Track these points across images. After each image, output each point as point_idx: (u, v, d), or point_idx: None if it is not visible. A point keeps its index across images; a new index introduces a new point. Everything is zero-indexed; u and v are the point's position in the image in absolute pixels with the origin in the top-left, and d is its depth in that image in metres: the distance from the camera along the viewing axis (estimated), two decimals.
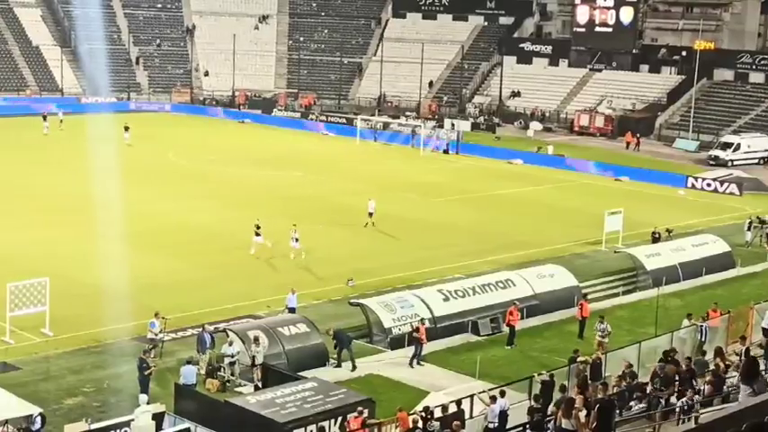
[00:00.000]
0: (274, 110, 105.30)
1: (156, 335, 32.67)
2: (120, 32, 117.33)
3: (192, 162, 72.15)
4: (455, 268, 44.66)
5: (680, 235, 51.41)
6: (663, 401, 24.37)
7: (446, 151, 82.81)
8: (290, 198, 59.71)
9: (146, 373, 29.04)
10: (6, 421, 24.82)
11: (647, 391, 25.41)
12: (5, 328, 33.31)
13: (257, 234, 45.62)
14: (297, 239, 45.22)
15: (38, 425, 25.37)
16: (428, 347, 33.95)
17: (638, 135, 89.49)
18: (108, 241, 45.77)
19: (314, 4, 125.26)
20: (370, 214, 52.15)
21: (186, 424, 25.50)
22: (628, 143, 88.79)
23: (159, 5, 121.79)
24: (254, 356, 30.65)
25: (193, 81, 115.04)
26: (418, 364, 32.99)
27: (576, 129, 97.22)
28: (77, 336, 34.04)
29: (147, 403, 26.15)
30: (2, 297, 33.21)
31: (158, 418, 25.66)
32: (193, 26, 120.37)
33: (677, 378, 25.86)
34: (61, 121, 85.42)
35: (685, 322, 33.94)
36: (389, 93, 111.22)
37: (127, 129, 79.69)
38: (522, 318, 36.97)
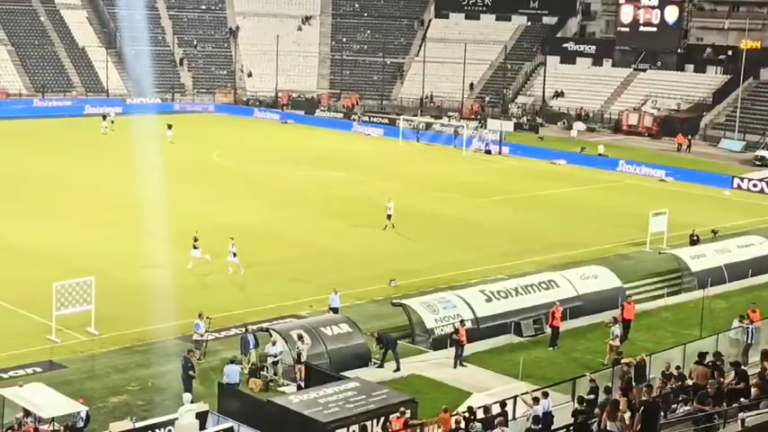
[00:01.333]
0: (317, 110, 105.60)
1: (202, 335, 32.84)
2: (164, 34, 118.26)
3: (235, 162, 72.56)
4: (498, 269, 44.51)
5: (726, 236, 50.85)
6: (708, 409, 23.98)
7: (489, 152, 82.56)
8: (332, 198, 59.86)
9: (190, 373, 29.20)
10: (53, 419, 25.11)
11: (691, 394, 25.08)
12: (52, 326, 33.66)
13: (195, 247, 42.66)
14: (235, 254, 42.29)
15: (82, 423, 25.63)
16: (470, 348, 33.84)
17: (689, 137, 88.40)
18: (153, 241, 46.13)
19: (356, 5, 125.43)
20: (389, 216, 51.65)
21: (230, 423, 25.62)
22: (679, 144, 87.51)
23: (203, 7, 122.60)
24: (299, 353, 30.73)
25: (237, 82, 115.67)
26: (461, 365, 32.90)
27: (625, 127, 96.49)
28: (122, 335, 34.34)
29: (191, 402, 26.29)
30: (48, 296, 33.56)
31: (202, 416, 25.79)
32: (237, 27, 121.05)
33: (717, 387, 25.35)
34: (113, 121, 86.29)
35: (736, 323, 33.53)
36: (433, 93, 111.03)
37: (170, 127, 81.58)
38: (565, 319, 36.74)
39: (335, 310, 36.42)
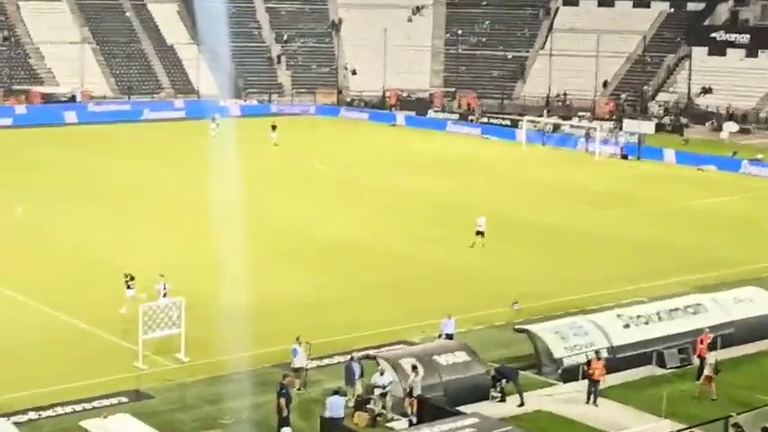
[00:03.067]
0: (429, 111, 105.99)
1: (304, 364, 32.94)
2: (260, 29, 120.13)
3: (338, 169, 73.24)
4: (636, 290, 43.88)
5: None
6: None
7: (625, 156, 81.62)
8: (445, 209, 59.81)
9: (281, 402, 29.33)
10: None
11: None
12: (138, 352, 34.32)
13: (129, 287, 39.72)
14: (165, 294, 38.76)
15: None
16: (606, 381, 33.31)
17: None
18: (250, 256, 46.65)
19: None
20: (480, 233, 50.70)
21: None
22: None
23: None
24: (411, 387, 30.72)
25: (340, 80, 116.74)
26: (594, 402, 32.41)
27: None
28: (214, 362, 34.77)
29: None
30: (135, 318, 34.22)
31: None
32: (340, 20, 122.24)
33: None
34: (218, 124, 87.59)
35: None
36: (560, 90, 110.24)
37: (274, 128, 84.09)
38: (715, 348, 35.94)
39: (450, 337, 36.32)
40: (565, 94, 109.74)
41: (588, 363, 33.01)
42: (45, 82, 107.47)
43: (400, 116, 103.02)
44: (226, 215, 54.15)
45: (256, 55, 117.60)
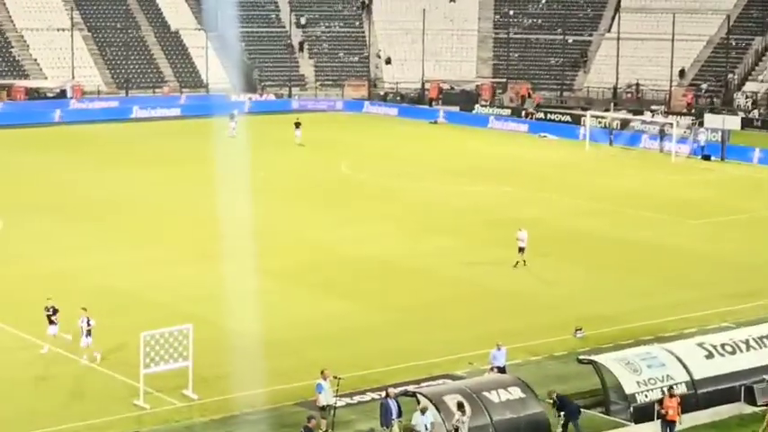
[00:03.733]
0: (476, 105, 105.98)
1: (331, 402, 33.01)
2: (278, 11, 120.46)
3: (370, 175, 73.35)
4: (720, 314, 43.81)
5: None
6: None
7: (707, 157, 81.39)
8: (495, 222, 59.71)
9: None
10: None
11: None
12: (139, 388, 34.45)
13: (51, 321, 38.55)
14: (89, 332, 37.46)
15: None
16: (686, 420, 33.21)
17: None
18: (266, 278, 46.89)
19: None
20: (521, 249, 50.61)
21: None
22: None
23: None
24: (457, 427, 30.72)
25: (371, 71, 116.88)
26: None
27: None
28: (227, 400, 34.86)
29: None
30: (135, 350, 34.35)
31: None
32: (371, 1, 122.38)
33: None
34: (237, 122, 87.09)
35: None
36: (629, 81, 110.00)
37: (298, 126, 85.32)
38: None
39: (502, 370, 36.30)
40: (637, 85, 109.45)
41: (661, 401, 32.88)
42: (30, 75, 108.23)
43: (442, 112, 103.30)
44: (238, 229, 54.42)
45: (274, 42, 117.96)
